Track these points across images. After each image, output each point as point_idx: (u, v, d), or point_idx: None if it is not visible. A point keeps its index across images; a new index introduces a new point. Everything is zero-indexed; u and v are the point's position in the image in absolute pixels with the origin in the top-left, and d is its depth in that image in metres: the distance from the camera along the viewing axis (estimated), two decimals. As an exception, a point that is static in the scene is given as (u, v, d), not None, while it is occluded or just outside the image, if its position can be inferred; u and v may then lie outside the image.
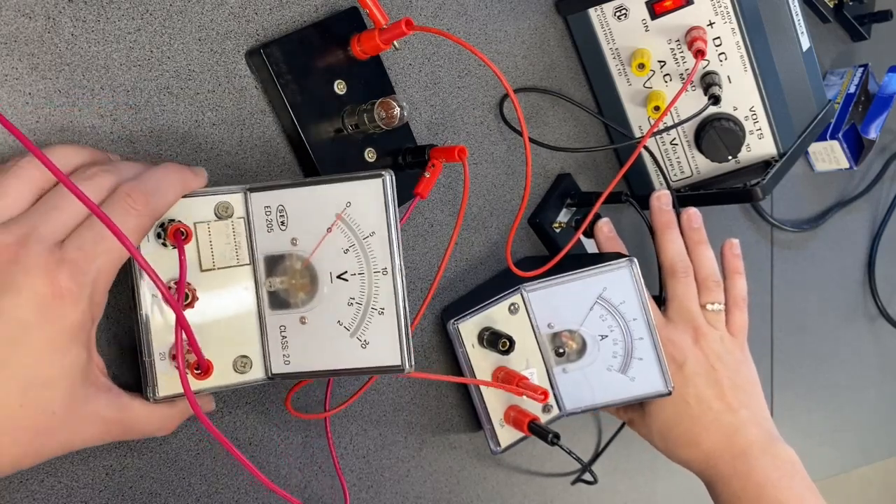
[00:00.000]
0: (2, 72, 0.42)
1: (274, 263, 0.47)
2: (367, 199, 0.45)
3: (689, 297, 0.64)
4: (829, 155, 0.89)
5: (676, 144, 0.70)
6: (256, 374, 0.48)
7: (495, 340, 0.58)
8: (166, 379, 0.44)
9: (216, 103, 0.49)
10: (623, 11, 0.65)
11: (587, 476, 0.73)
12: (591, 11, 0.66)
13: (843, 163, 0.89)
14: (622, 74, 0.68)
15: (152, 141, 0.47)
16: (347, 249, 0.45)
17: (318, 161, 0.52)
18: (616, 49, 0.67)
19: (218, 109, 0.49)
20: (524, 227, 0.68)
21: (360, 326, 0.46)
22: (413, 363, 0.46)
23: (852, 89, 0.89)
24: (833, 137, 0.87)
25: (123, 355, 0.46)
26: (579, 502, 0.74)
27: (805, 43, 0.71)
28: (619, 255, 0.61)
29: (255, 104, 0.51)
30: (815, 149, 0.90)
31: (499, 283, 0.63)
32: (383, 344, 0.45)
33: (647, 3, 0.63)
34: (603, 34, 0.66)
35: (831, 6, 0.90)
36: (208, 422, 0.39)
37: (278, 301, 0.47)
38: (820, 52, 0.77)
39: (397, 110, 0.51)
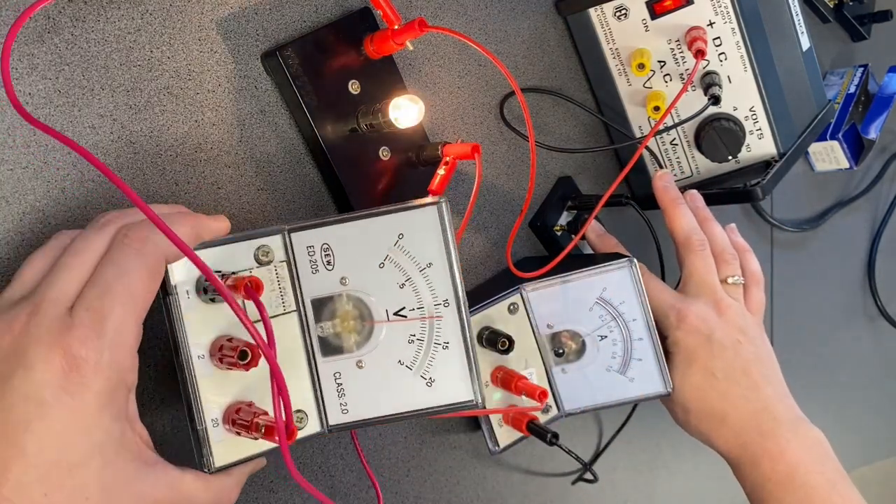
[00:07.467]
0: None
1: (322, 306, 0.44)
2: (422, 228, 0.43)
3: (709, 271, 0.62)
4: (829, 155, 0.89)
5: (676, 144, 0.70)
6: (312, 427, 0.45)
7: (494, 340, 0.58)
8: (222, 447, 0.41)
9: (216, 103, 0.49)
10: (623, 11, 0.65)
11: (587, 475, 0.73)
12: (591, 11, 0.66)
13: (843, 163, 0.89)
14: (622, 74, 0.68)
15: (152, 141, 0.47)
16: (403, 284, 0.43)
17: (335, 160, 0.52)
18: (616, 49, 0.67)
19: (218, 109, 0.50)
20: (524, 228, 0.68)
21: (424, 364, 0.43)
22: (484, 397, 0.43)
23: (852, 89, 0.89)
24: (833, 137, 0.87)
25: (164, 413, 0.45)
26: (579, 502, 0.74)
27: (805, 43, 0.71)
28: (619, 256, 0.61)
29: (255, 104, 0.51)
30: (815, 149, 0.90)
31: (498, 283, 0.63)
32: (451, 380, 0.43)
33: (647, 3, 0.63)
34: (603, 34, 0.66)
35: (831, 6, 0.90)
36: (318, 493, 0.37)
37: (330, 347, 0.44)
38: (820, 52, 0.77)
39: None
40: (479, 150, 0.53)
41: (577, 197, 0.69)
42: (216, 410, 0.41)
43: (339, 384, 0.45)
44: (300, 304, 0.44)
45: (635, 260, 0.59)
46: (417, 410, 0.44)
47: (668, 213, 0.64)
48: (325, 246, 0.44)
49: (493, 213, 0.65)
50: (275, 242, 0.44)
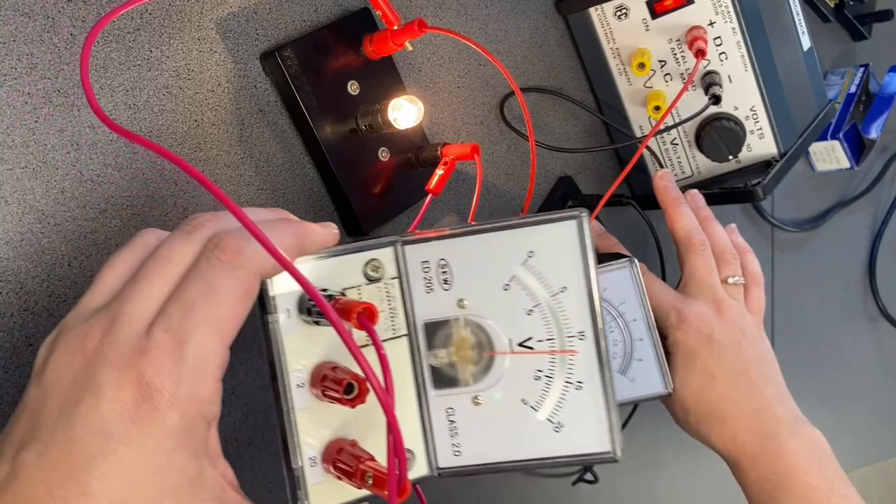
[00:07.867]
0: (1, 71, 0.42)
1: (436, 332, 0.39)
2: (556, 246, 0.37)
3: (710, 271, 0.62)
4: (829, 155, 0.89)
5: (677, 144, 0.70)
6: (420, 470, 0.40)
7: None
8: (320, 489, 0.36)
9: (215, 103, 0.49)
10: (623, 11, 0.65)
11: (587, 476, 0.73)
12: (592, 11, 0.66)
13: (844, 163, 0.89)
14: (622, 74, 0.68)
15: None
16: (531, 310, 0.38)
17: (334, 161, 0.52)
18: (616, 49, 0.66)
19: (217, 109, 0.49)
20: (524, 227, 0.68)
21: (552, 405, 0.38)
22: (622, 447, 0.38)
23: (853, 89, 0.89)
24: (834, 137, 0.87)
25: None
26: (579, 502, 0.74)
27: (806, 43, 0.71)
28: (619, 256, 0.61)
29: (254, 104, 0.51)
30: (816, 149, 0.90)
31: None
32: (582, 426, 0.38)
33: (647, 2, 0.63)
34: (603, 34, 0.66)
35: (832, 6, 0.90)
36: None
37: (443, 378, 0.39)
38: (820, 52, 0.77)
39: None
40: (478, 151, 0.53)
41: (578, 197, 0.69)
42: (315, 448, 0.36)
43: (452, 422, 0.40)
44: (411, 328, 0.39)
45: (636, 260, 0.59)
46: (541, 459, 0.38)
47: (668, 213, 0.64)
48: (443, 262, 0.39)
49: (493, 214, 0.65)
50: (385, 256, 0.38)
